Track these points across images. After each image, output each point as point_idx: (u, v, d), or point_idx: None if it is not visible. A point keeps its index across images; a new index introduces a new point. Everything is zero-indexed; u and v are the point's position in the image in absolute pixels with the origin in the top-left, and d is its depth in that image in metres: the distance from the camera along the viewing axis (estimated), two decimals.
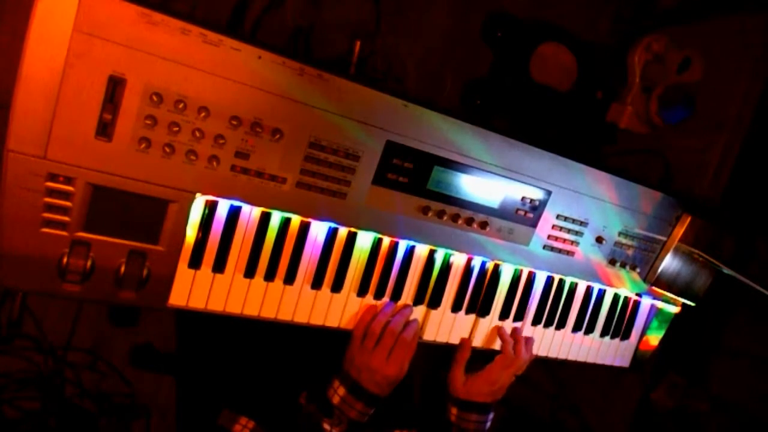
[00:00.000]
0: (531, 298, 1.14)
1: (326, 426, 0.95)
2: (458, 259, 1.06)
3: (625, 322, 1.27)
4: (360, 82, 0.86)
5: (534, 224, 1.05)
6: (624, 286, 1.21)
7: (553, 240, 1.08)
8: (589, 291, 1.20)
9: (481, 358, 1.10)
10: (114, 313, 1.40)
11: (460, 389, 1.05)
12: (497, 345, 1.12)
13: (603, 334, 1.25)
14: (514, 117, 1.32)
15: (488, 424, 1.07)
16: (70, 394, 1.38)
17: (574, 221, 1.08)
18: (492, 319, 1.12)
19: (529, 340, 1.12)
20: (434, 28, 1.33)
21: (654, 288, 1.19)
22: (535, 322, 1.16)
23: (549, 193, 1.04)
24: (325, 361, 1.06)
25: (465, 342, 1.10)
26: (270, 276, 0.92)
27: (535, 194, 1.03)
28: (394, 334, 0.98)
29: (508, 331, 1.13)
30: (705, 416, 1.45)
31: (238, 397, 1.04)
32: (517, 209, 1.03)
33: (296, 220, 0.92)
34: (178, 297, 0.87)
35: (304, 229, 0.93)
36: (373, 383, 0.96)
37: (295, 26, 1.21)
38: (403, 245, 1.00)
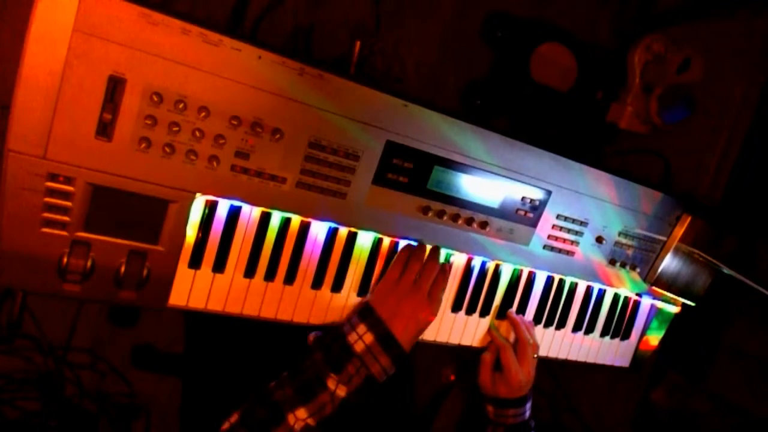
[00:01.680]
0: (531, 298, 1.14)
1: (330, 383, 0.82)
2: (458, 259, 1.06)
3: (625, 322, 1.27)
4: (360, 82, 0.86)
5: (534, 224, 1.05)
6: (624, 286, 1.21)
7: (553, 240, 1.08)
8: (589, 291, 1.20)
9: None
10: (114, 313, 1.40)
11: (490, 390, 1.06)
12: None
13: (603, 334, 1.25)
14: (514, 117, 1.33)
15: (528, 413, 1.07)
16: (70, 394, 1.38)
17: (574, 221, 1.08)
18: (492, 319, 1.12)
19: (524, 319, 1.12)
20: (434, 28, 1.33)
21: (654, 288, 1.19)
22: (535, 321, 1.16)
23: (549, 193, 1.04)
24: None
25: (491, 345, 1.10)
26: (270, 276, 0.92)
27: (535, 194, 1.03)
28: (436, 269, 0.90)
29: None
30: (705, 416, 1.45)
31: (246, 398, 1.03)
32: (517, 209, 1.03)
33: (296, 220, 0.92)
34: (178, 297, 0.87)
35: (304, 229, 0.93)
36: (409, 331, 0.86)
37: (295, 26, 1.21)
38: (403, 245, 1.00)
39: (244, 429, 0.79)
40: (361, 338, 0.84)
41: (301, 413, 0.80)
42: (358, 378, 0.83)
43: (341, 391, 0.82)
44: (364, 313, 0.87)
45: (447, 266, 0.98)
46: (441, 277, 0.94)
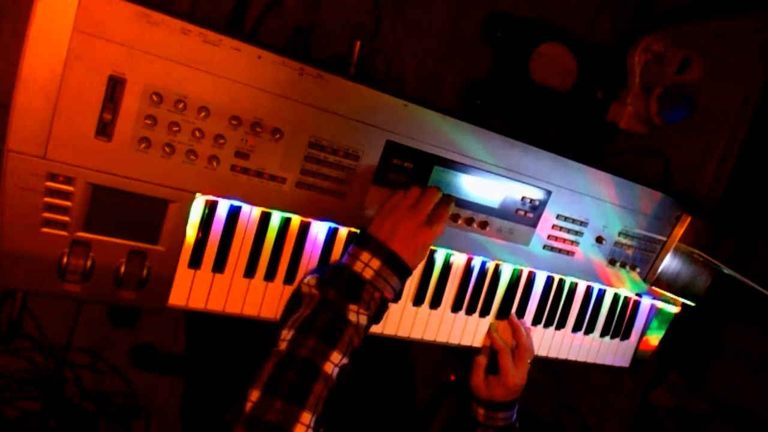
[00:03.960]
0: (531, 298, 1.14)
1: (352, 316, 0.79)
2: (458, 259, 1.06)
3: (625, 322, 1.27)
4: (360, 82, 0.86)
5: (534, 224, 1.05)
6: (624, 286, 1.20)
7: (553, 240, 1.08)
8: (589, 291, 1.20)
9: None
10: (114, 314, 1.40)
11: (484, 392, 1.06)
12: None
13: (603, 334, 1.25)
14: (514, 117, 1.33)
15: (515, 416, 1.08)
16: (70, 394, 1.38)
17: (574, 221, 1.08)
18: (492, 319, 1.12)
19: (523, 323, 1.12)
20: (434, 28, 1.33)
21: (654, 288, 1.19)
22: (535, 322, 1.16)
23: (549, 193, 1.04)
24: None
25: (484, 348, 1.10)
26: (270, 276, 0.92)
27: (535, 194, 1.03)
28: (437, 194, 0.87)
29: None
30: (705, 416, 1.45)
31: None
32: (517, 209, 1.03)
33: (296, 220, 0.92)
34: (178, 297, 0.87)
35: (304, 229, 0.93)
36: (408, 251, 0.83)
37: (295, 26, 1.21)
38: None
39: (279, 398, 0.71)
40: (368, 265, 0.81)
41: (336, 357, 0.76)
42: (374, 303, 0.82)
43: (363, 319, 0.80)
44: (363, 240, 0.84)
45: (450, 198, 0.93)
46: (444, 204, 0.89)
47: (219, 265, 0.88)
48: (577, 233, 1.10)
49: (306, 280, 0.84)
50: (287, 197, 0.87)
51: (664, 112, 1.24)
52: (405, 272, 0.85)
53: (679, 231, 1.15)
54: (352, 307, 0.79)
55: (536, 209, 1.04)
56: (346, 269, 0.82)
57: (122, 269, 0.82)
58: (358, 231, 0.94)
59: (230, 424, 0.70)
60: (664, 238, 1.16)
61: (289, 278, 0.93)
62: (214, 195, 0.84)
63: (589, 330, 1.23)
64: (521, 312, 1.14)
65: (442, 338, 1.08)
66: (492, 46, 1.31)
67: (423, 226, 0.84)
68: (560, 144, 1.03)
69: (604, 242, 1.11)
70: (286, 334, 0.77)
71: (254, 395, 0.72)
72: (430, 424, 1.40)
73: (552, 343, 1.19)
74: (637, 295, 1.25)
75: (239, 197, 0.85)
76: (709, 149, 1.29)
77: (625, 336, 1.28)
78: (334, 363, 0.76)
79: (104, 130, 0.74)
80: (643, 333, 1.30)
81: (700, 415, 1.46)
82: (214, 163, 0.81)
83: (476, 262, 1.07)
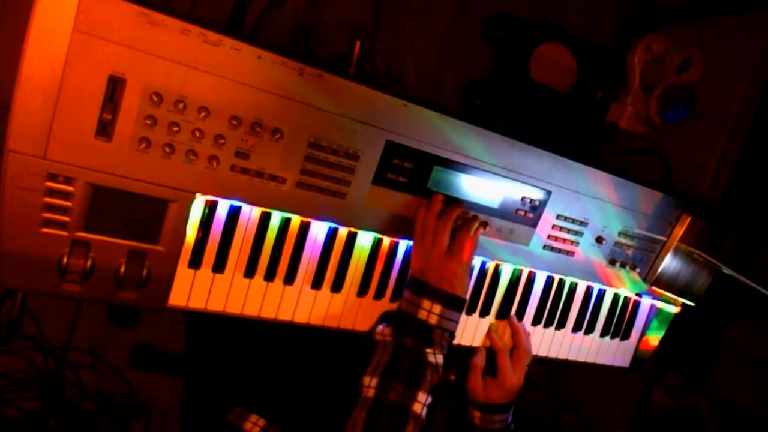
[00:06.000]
0: (531, 298, 1.14)
1: (431, 358, 0.88)
2: None
3: (625, 322, 1.27)
4: (360, 82, 0.86)
5: (534, 224, 1.05)
6: (624, 286, 1.21)
7: (553, 240, 1.08)
8: (589, 291, 1.20)
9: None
10: (114, 314, 1.40)
11: (481, 394, 1.06)
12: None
13: (603, 334, 1.25)
14: (514, 117, 1.33)
15: (510, 418, 1.08)
16: (70, 394, 1.38)
17: (574, 221, 1.08)
18: (492, 319, 1.12)
19: (523, 326, 1.12)
20: (434, 28, 1.33)
21: (654, 288, 1.19)
22: (535, 322, 1.16)
23: (549, 193, 1.04)
24: (334, 362, 1.06)
25: (480, 349, 1.10)
26: (270, 276, 0.92)
27: (535, 194, 1.03)
28: (448, 225, 0.93)
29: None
30: (705, 416, 1.45)
31: (248, 396, 1.03)
32: (517, 209, 1.03)
33: (296, 220, 0.92)
34: (178, 297, 0.87)
35: (304, 229, 0.93)
36: (460, 287, 0.92)
37: (295, 26, 1.22)
38: (403, 245, 1.00)
39: None
40: (431, 312, 0.89)
41: (422, 397, 0.84)
42: (445, 340, 0.91)
43: (440, 358, 0.89)
44: (418, 288, 0.91)
45: (459, 211, 0.96)
46: (464, 230, 0.94)
47: (219, 265, 0.88)
48: (577, 233, 1.10)
49: (379, 329, 0.92)
50: (287, 197, 0.87)
51: (664, 112, 1.24)
52: (462, 305, 0.93)
53: (679, 231, 1.15)
54: (429, 350, 0.88)
55: (536, 209, 1.04)
56: (411, 318, 0.90)
57: (122, 269, 0.82)
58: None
59: None
60: (664, 238, 1.16)
61: (289, 278, 0.93)
62: (214, 195, 0.84)
63: (589, 330, 1.23)
64: (521, 312, 1.14)
65: None
66: (492, 46, 1.31)
67: (460, 263, 0.91)
68: (560, 144, 1.03)
69: (604, 242, 1.11)
70: (370, 381, 0.86)
71: None
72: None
73: (552, 343, 1.19)
74: (637, 295, 1.25)
75: (239, 197, 0.85)
76: (709, 149, 1.29)
77: (625, 336, 1.28)
78: (422, 403, 0.84)
79: (104, 130, 0.74)
80: (643, 333, 1.30)
81: (700, 415, 1.46)
82: (214, 163, 0.81)
83: (476, 262, 1.07)
